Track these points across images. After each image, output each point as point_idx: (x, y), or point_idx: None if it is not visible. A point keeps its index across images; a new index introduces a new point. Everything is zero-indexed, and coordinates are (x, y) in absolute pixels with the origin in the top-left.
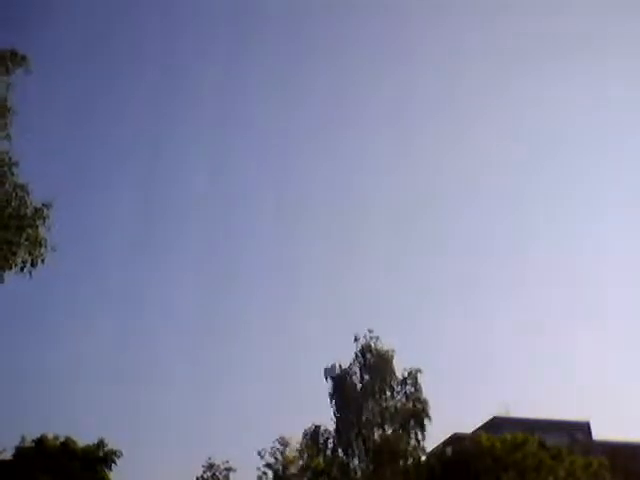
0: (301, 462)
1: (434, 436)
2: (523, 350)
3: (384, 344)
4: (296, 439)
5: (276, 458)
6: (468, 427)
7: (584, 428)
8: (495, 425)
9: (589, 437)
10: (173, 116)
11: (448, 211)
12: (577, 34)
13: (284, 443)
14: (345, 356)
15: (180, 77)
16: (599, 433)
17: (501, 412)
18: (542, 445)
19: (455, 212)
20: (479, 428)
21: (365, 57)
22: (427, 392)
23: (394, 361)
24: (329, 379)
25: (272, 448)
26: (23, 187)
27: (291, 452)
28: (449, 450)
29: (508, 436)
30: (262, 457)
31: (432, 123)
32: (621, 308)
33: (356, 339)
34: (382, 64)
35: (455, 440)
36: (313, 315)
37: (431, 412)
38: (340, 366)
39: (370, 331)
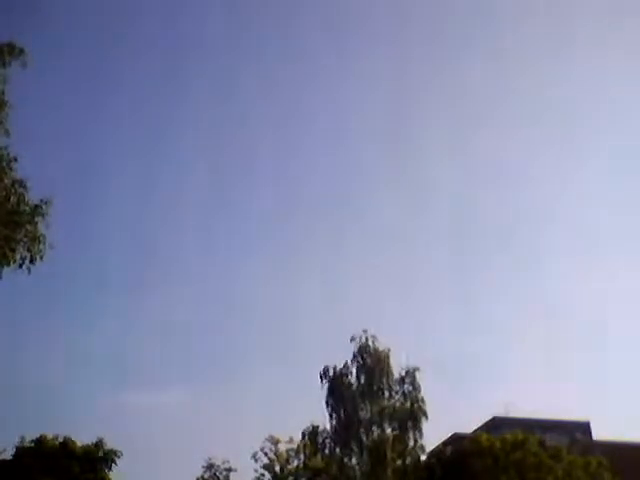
0: (296, 462)
1: (434, 436)
2: (523, 350)
3: (381, 344)
4: (287, 438)
5: (270, 458)
6: (468, 427)
7: (584, 428)
8: (495, 425)
9: (589, 437)
10: (173, 111)
11: (447, 210)
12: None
13: (274, 442)
14: (343, 356)
15: (180, 73)
16: (599, 433)
17: (501, 412)
18: (542, 445)
19: (454, 212)
20: (479, 428)
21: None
22: (427, 392)
23: (391, 360)
24: (326, 379)
25: (263, 448)
26: (22, 183)
27: (284, 451)
28: (449, 450)
29: (508, 436)
30: (256, 460)
31: (430, 134)
32: (621, 307)
33: (353, 339)
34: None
35: (455, 440)
36: (311, 315)
37: (431, 412)
38: (335, 367)
39: (365, 331)
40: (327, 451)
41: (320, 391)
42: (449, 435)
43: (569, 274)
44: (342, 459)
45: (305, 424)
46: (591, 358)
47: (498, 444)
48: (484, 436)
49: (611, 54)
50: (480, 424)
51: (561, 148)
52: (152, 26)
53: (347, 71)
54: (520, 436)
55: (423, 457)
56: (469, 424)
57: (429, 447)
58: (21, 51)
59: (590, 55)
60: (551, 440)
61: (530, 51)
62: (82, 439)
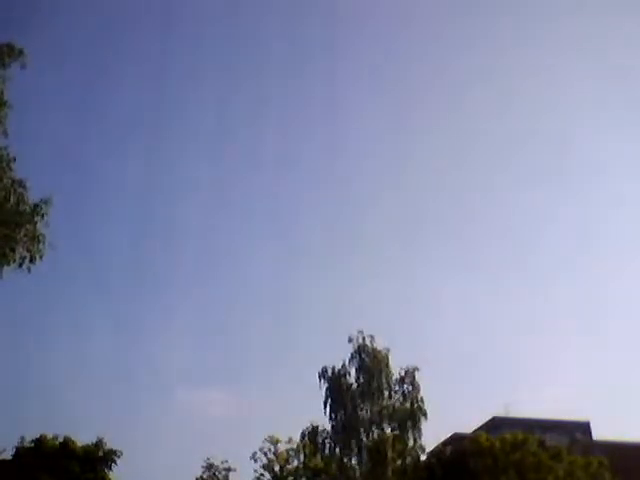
0: (296, 462)
1: (434, 436)
2: (523, 350)
3: (379, 344)
4: (287, 438)
5: (269, 459)
6: (468, 427)
7: (584, 428)
8: (495, 425)
9: (589, 437)
10: (174, 111)
11: (447, 210)
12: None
13: (274, 442)
14: (343, 356)
15: (181, 72)
16: (599, 433)
17: (501, 412)
18: (542, 445)
19: (453, 213)
20: (479, 428)
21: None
22: (427, 392)
23: (390, 360)
24: (324, 379)
25: (263, 448)
26: (21, 183)
27: (284, 451)
28: (449, 450)
29: (508, 436)
30: (255, 460)
31: (432, 136)
32: (621, 307)
33: (350, 340)
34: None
35: (455, 440)
36: (310, 315)
37: (431, 412)
38: (334, 367)
39: (360, 332)
40: (327, 451)
41: (319, 391)
42: (449, 435)
43: (569, 274)
44: (342, 459)
45: (305, 424)
46: (591, 358)
47: (498, 444)
48: (484, 436)
49: (612, 54)
50: (480, 424)
51: (560, 150)
52: (153, 25)
53: (347, 73)
54: (520, 436)
55: (423, 457)
56: (469, 424)
57: (429, 447)
58: (20, 52)
59: (589, 55)
60: (551, 440)
61: (530, 52)
62: (82, 439)
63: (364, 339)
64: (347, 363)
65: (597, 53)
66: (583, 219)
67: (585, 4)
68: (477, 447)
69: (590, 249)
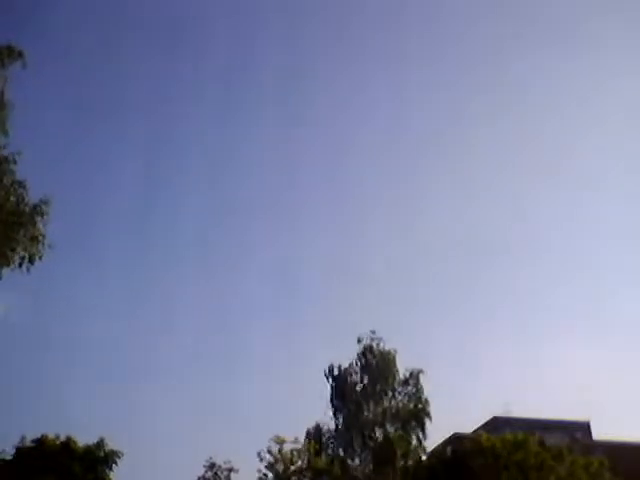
0: (300, 462)
1: (434, 436)
2: (523, 350)
3: (386, 345)
4: (292, 438)
5: (275, 458)
6: (468, 427)
7: (584, 428)
8: (495, 425)
9: (589, 437)
10: (175, 111)
11: (447, 212)
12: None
13: (280, 442)
14: (347, 356)
15: (182, 70)
16: (599, 433)
17: (501, 412)
18: (542, 445)
19: (454, 213)
20: (479, 428)
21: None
22: (427, 392)
23: (397, 362)
24: (330, 379)
25: (269, 448)
26: (21, 183)
27: (288, 451)
28: (449, 450)
29: (509, 436)
30: (261, 459)
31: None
32: (621, 307)
33: (359, 340)
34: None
35: (455, 440)
36: (315, 315)
37: (431, 412)
38: (340, 366)
39: (373, 332)
40: (330, 451)
41: (324, 390)
42: (449, 435)
43: (568, 274)
44: (345, 459)
45: (310, 424)
46: (591, 358)
47: (499, 444)
48: (484, 436)
49: (611, 56)
50: (480, 424)
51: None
52: (154, 24)
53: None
54: (521, 436)
55: (424, 457)
56: (469, 424)
57: (429, 447)
58: (20, 53)
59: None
60: (551, 440)
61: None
62: (83, 439)
63: (372, 340)
64: (354, 363)
65: None
66: (584, 220)
67: None
68: (478, 447)
69: (588, 247)
